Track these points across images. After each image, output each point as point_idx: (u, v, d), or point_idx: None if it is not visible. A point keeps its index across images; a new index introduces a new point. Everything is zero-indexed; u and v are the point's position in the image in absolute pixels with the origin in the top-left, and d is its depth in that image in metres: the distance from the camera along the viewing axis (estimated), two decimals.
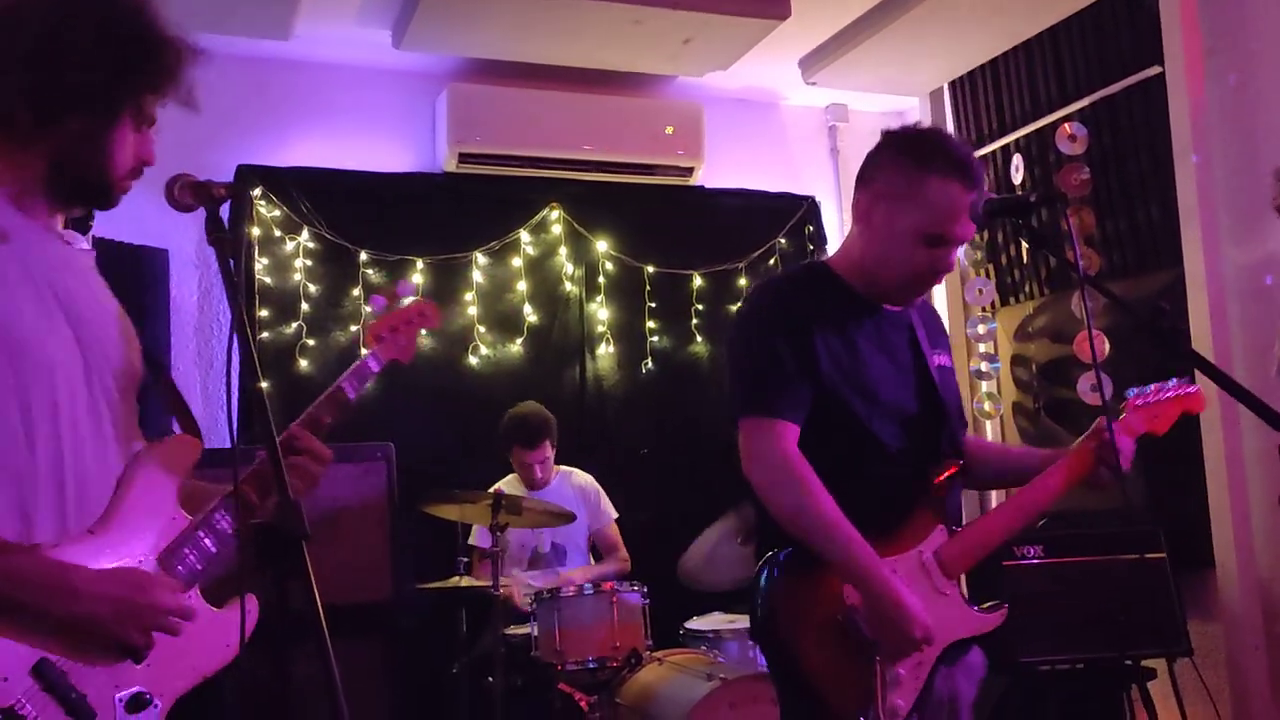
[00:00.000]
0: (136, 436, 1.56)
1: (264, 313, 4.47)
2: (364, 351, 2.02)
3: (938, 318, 2.21)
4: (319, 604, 1.13)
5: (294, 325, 4.52)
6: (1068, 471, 2.06)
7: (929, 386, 2.04)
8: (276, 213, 4.49)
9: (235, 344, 1.33)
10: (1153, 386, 2.22)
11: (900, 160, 1.95)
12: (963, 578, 2.05)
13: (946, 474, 2.00)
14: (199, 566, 1.48)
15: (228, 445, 3.69)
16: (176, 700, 1.45)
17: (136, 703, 1.38)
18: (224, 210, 1.48)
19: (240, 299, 1.38)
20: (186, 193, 1.48)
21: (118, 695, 1.36)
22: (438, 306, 2.25)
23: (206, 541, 1.49)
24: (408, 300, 2.47)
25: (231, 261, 1.38)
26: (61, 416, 1.39)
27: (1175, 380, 2.25)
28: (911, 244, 1.93)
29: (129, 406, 1.53)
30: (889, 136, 2.03)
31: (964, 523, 2.07)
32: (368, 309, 4.63)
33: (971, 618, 2.01)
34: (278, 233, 4.52)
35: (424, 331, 5.12)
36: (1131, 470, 2.12)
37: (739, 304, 5.00)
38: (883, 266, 1.98)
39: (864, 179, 2.02)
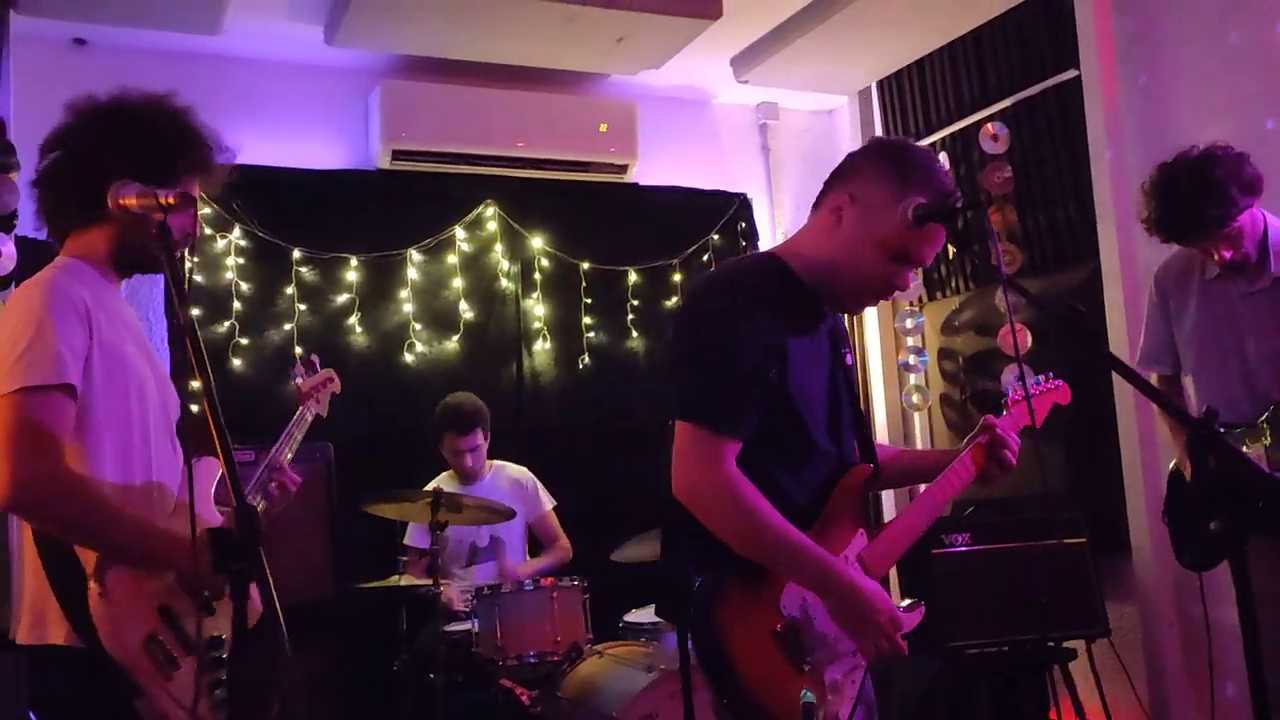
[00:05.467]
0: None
1: (195, 312, 4.41)
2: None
3: (839, 316, 2.18)
4: (277, 605, 1.16)
5: (226, 324, 4.47)
6: (966, 469, 2.13)
7: (843, 389, 2.05)
8: (207, 210, 4.42)
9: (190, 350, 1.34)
10: (1028, 380, 2.32)
11: (887, 170, 1.92)
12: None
13: (863, 478, 2.02)
14: None
15: None
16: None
17: (215, 642, 1.89)
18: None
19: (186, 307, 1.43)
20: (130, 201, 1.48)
21: (206, 634, 1.86)
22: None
23: None
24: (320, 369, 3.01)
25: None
26: (149, 424, 1.89)
27: (1043, 377, 2.42)
28: (876, 254, 1.92)
29: (172, 420, 2.03)
30: (880, 144, 2.03)
31: (876, 524, 2.07)
32: (301, 308, 4.59)
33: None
34: (209, 231, 4.46)
35: (358, 330, 5.09)
36: (1047, 457, 2.19)
37: (689, 292, 4.95)
38: (841, 270, 1.95)
39: (843, 177, 1.98)
